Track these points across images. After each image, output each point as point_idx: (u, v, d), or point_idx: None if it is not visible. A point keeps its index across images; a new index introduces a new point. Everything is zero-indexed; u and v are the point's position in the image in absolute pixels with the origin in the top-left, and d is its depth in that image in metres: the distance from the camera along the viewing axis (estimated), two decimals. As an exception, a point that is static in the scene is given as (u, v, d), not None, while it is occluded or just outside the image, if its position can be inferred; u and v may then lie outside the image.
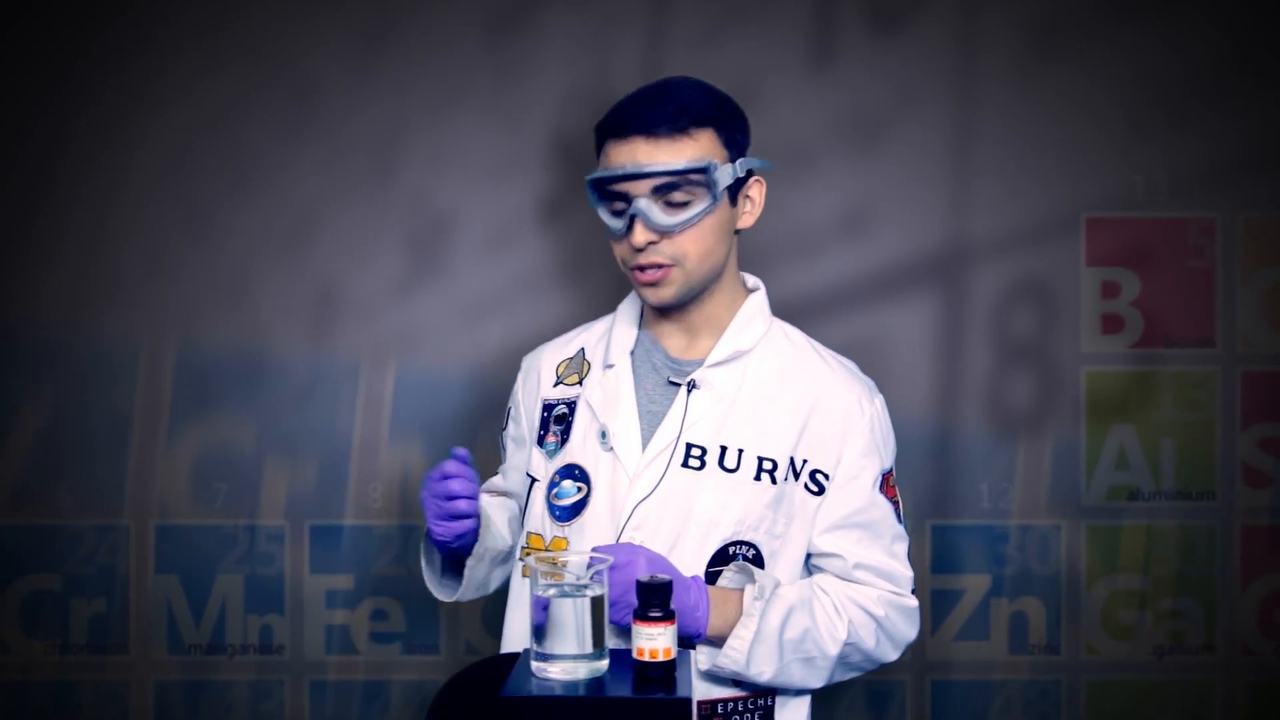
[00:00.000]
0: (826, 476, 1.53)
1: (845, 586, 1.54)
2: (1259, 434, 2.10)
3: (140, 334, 2.12)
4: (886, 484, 1.57)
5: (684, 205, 1.49)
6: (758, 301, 1.61)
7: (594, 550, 1.45)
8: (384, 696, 2.13)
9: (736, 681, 1.52)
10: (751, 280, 1.64)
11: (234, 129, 2.12)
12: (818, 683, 1.53)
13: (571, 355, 1.66)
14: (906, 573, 1.57)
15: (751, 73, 2.08)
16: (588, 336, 1.68)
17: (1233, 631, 2.10)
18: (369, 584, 2.13)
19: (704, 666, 1.50)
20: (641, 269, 1.51)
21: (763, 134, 2.09)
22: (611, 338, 1.63)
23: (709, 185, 1.48)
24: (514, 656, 1.36)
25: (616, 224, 1.51)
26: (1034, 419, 2.10)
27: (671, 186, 1.48)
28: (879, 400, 1.59)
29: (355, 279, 2.13)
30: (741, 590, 1.49)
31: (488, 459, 1.81)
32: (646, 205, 1.47)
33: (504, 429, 1.73)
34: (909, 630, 1.57)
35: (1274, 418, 2.10)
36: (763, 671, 1.47)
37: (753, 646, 1.46)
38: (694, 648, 1.48)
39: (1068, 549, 2.10)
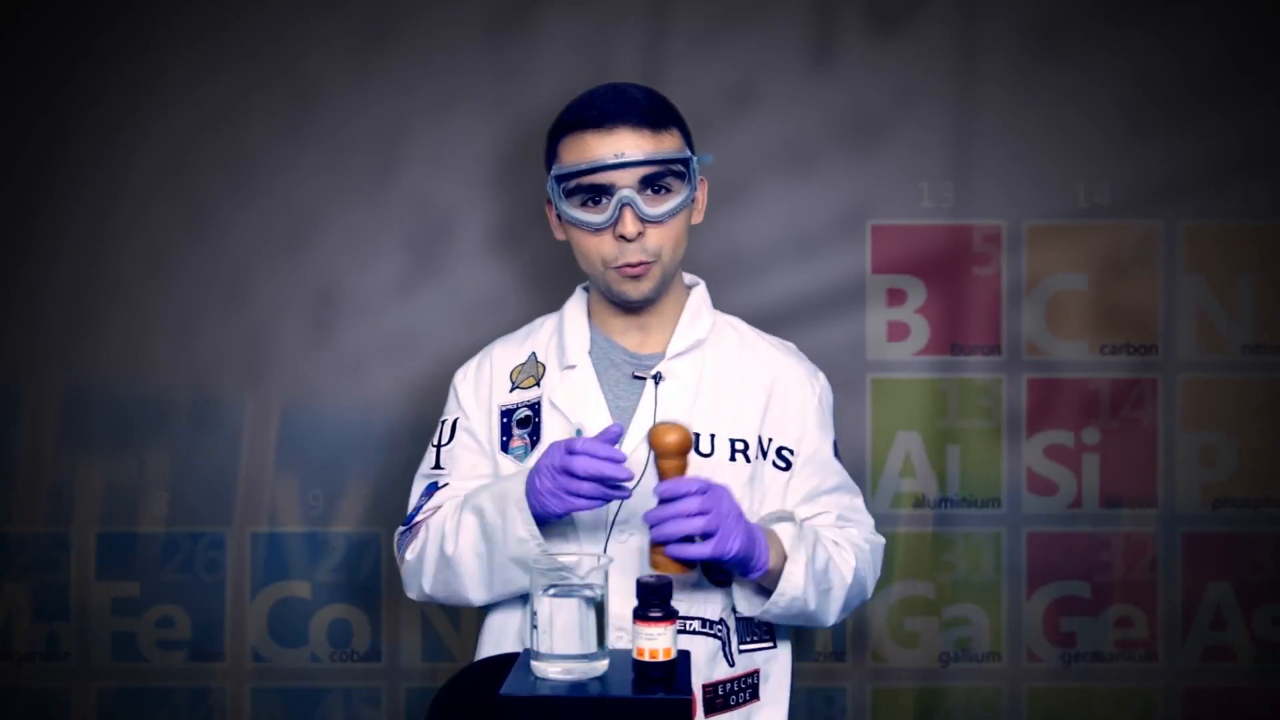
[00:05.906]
0: (792, 453, 1.59)
1: (834, 531, 1.59)
2: (1044, 441, 2.09)
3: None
4: (837, 451, 1.65)
5: (666, 196, 1.53)
6: (701, 294, 1.67)
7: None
8: (170, 703, 2.12)
9: (759, 638, 1.57)
10: (689, 277, 1.69)
11: (234, 129, 2.12)
12: (830, 615, 1.55)
13: (524, 360, 1.66)
14: (870, 519, 1.65)
15: (751, 72, 2.07)
16: (536, 339, 1.67)
17: (1018, 638, 2.11)
18: (156, 591, 2.12)
19: (744, 607, 1.52)
20: (630, 265, 1.52)
21: (763, 134, 2.09)
22: (565, 338, 1.63)
23: (687, 177, 1.53)
24: (514, 656, 1.36)
25: (597, 217, 1.52)
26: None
27: (657, 176, 1.51)
28: (823, 378, 1.67)
29: (355, 279, 2.13)
30: (770, 527, 1.51)
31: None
32: (632, 195, 1.49)
33: (444, 444, 1.66)
34: (879, 565, 1.64)
35: (1059, 425, 2.09)
36: (809, 598, 1.49)
37: (806, 571, 1.48)
38: (727, 585, 1.54)
39: None
